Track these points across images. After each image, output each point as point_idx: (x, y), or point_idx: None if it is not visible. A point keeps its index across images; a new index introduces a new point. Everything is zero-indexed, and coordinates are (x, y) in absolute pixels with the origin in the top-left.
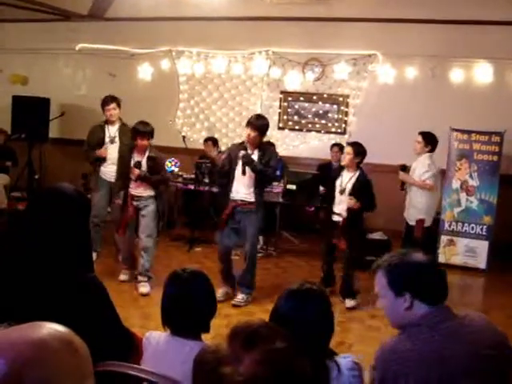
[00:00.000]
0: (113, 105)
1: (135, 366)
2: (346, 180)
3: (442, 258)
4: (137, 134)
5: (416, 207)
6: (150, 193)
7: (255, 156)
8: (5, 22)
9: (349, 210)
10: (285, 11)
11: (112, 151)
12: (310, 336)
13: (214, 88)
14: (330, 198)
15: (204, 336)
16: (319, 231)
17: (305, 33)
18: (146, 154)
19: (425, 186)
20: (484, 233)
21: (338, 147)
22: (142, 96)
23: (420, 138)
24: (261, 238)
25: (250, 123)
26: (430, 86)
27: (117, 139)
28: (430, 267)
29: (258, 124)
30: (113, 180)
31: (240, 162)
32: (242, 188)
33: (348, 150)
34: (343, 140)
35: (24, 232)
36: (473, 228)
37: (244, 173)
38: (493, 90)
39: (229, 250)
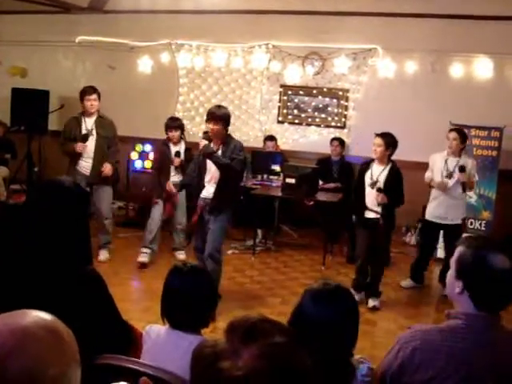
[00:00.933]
0: (94, 95)
1: (134, 359)
2: (377, 173)
3: (441, 253)
4: (167, 128)
5: (460, 206)
6: None
7: (219, 152)
8: (4, 13)
9: (383, 205)
10: (285, 5)
11: (88, 144)
12: (339, 338)
13: (213, 81)
14: (359, 195)
15: (203, 330)
16: (320, 225)
17: (305, 26)
18: (182, 145)
19: (473, 187)
20: (483, 228)
21: (338, 141)
22: (141, 89)
23: (456, 135)
24: (259, 232)
25: (211, 116)
26: (430, 81)
27: (94, 132)
28: (497, 273)
29: (221, 114)
30: (88, 173)
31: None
32: (209, 186)
33: (378, 141)
34: (343, 134)
35: (23, 225)
36: (472, 223)
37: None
38: (492, 85)
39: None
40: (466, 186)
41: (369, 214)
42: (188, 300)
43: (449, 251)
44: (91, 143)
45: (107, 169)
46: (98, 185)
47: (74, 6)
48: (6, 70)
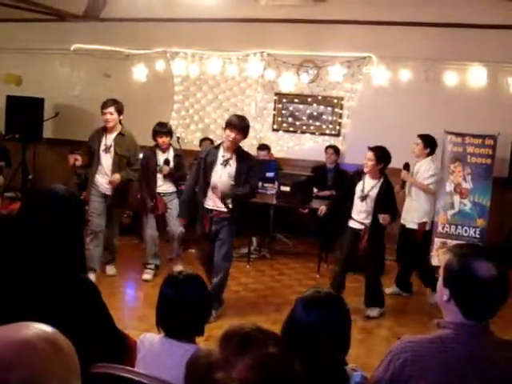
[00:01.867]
0: (110, 108)
1: (128, 368)
2: (368, 188)
3: (435, 261)
4: (155, 134)
5: (418, 210)
6: (174, 189)
7: (233, 161)
8: None
9: (374, 218)
10: (279, 13)
11: (106, 161)
12: (331, 344)
13: (208, 89)
14: (347, 204)
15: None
16: (315, 233)
17: (299, 35)
18: (171, 151)
19: (428, 191)
20: (477, 235)
21: (333, 149)
22: (136, 97)
23: (419, 140)
24: (254, 240)
25: (233, 125)
26: (424, 89)
27: (112, 149)
28: (482, 281)
29: (243, 126)
30: (108, 192)
31: (216, 167)
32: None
33: (369, 155)
34: (337, 142)
35: (16, 233)
36: (466, 231)
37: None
38: (486, 94)
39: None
40: (404, 184)
41: (353, 224)
42: (182, 309)
43: (399, 255)
44: (108, 160)
45: (114, 179)
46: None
47: (70, 13)
48: (0, 77)
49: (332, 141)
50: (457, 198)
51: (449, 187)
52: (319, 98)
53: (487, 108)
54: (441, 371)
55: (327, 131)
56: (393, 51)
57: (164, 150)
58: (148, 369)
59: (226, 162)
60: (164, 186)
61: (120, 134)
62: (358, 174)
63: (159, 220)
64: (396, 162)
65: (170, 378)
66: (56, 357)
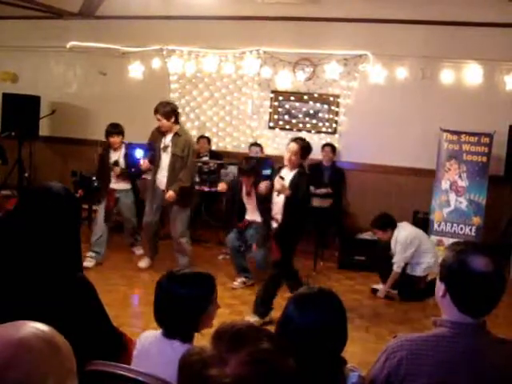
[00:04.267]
0: (157, 115)
1: (123, 365)
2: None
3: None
4: (108, 134)
5: (423, 263)
6: (128, 186)
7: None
8: None
9: (284, 213)
10: (276, 11)
11: (165, 160)
12: (326, 342)
13: (204, 87)
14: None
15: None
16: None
17: (296, 32)
18: (122, 150)
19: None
20: (473, 233)
21: (330, 147)
22: (132, 94)
23: (376, 230)
24: None
25: (156, 112)
26: (421, 87)
27: (169, 149)
28: (478, 276)
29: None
30: (163, 187)
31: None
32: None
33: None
34: (334, 140)
35: (12, 231)
36: (462, 228)
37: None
38: (483, 92)
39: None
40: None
41: (274, 224)
42: (180, 306)
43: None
44: (166, 159)
45: (169, 197)
46: (171, 204)
47: (65, 11)
48: None
49: (328, 139)
50: (452, 196)
51: (444, 185)
52: (315, 95)
53: (483, 106)
54: (437, 369)
55: (323, 129)
56: (389, 49)
57: (115, 149)
58: (141, 366)
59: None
60: (118, 184)
61: (176, 134)
62: (279, 169)
63: (108, 213)
64: (392, 160)
65: (162, 376)
66: (53, 356)
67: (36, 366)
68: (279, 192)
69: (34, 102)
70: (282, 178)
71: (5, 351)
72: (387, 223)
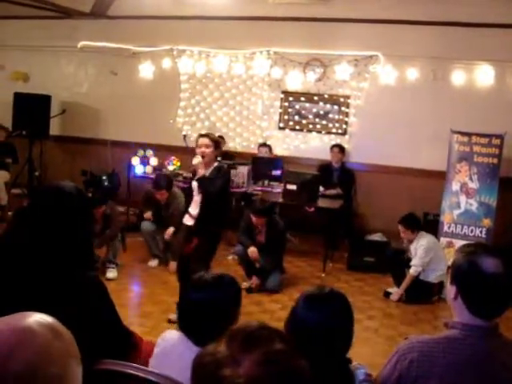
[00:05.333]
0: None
1: (134, 364)
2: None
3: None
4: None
5: (437, 269)
6: None
7: None
8: (7, 18)
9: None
10: (286, 11)
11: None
12: (333, 341)
13: (215, 87)
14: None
15: None
16: (320, 231)
17: (306, 33)
18: None
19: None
20: (483, 235)
21: (338, 148)
22: (143, 94)
23: (402, 228)
24: None
25: None
26: (431, 88)
27: None
28: (488, 277)
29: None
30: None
31: None
32: None
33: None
34: (344, 141)
35: (24, 230)
36: (472, 230)
37: None
38: (494, 93)
39: None
40: None
41: (188, 221)
42: (202, 311)
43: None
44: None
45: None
46: None
47: (77, 11)
48: (8, 74)
49: (338, 139)
50: (463, 198)
51: (455, 187)
52: (326, 96)
53: (494, 107)
54: (448, 371)
55: (333, 130)
56: (400, 50)
57: None
58: (158, 365)
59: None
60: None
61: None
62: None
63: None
64: (403, 161)
65: (179, 379)
66: (55, 342)
67: (39, 352)
68: (199, 188)
69: (44, 101)
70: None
71: (9, 338)
72: (417, 225)
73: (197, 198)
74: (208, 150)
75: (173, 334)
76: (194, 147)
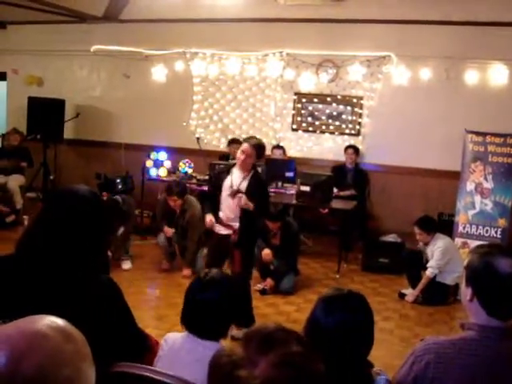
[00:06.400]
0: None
1: (149, 367)
2: (238, 181)
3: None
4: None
5: (454, 271)
6: None
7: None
8: (21, 24)
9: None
10: (298, 12)
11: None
12: (353, 344)
13: (227, 89)
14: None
15: None
16: (335, 233)
17: (319, 34)
18: None
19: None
20: (499, 236)
21: (353, 149)
22: (156, 97)
23: (418, 230)
24: None
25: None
26: (445, 88)
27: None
28: (505, 277)
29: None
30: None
31: None
32: None
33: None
34: (357, 142)
35: (39, 234)
36: (487, 231)
37: None
38: (508, 92)
39: None
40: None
41: (221, 230)
42: (206, 311)
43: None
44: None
45: None
46: None
47: (90, 15)
48: (22, 78)
49: (352, 140)
50: (478, 198)
51: (469, 187)
52: (339, 97)
53: (509, 107)
54: (465, 373)
55: (347, 131)
56: (413, 50)
57: None
58: (167, 366)
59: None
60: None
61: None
62: (228, 168)
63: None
64: (417, 161)
65: (189, 374)
66: (67, 345)
67: (50, 354)
68: (234, 195)
69: (58, 105)
70: (238, 192)
71: (20, 342)
72: (433, 227)
73: (230, 203)
74: (249, 160)
75: (175, 335)
76: (228, 151)
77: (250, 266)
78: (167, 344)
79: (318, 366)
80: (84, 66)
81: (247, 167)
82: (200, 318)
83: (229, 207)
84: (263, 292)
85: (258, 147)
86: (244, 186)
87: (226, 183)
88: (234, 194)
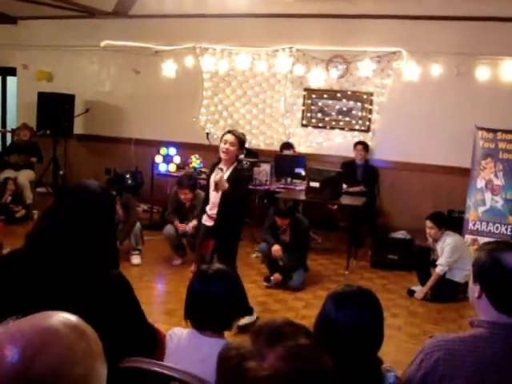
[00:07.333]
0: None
1: (159, 362)
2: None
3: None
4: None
5: (465, 269)
6: None
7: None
8: (30, 19)
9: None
10: (308, 8)
11: None
12: (363, 341)
13: (237, 85)
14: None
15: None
16: (344, 229)
17: (328, 30)
18: None
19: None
20: (509, 233)
21: (362, 145)
22: (166, 92)
23: (430, 224)
24: None
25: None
26: (455, 84)
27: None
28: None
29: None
30: None
31: None
32: None
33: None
34: (367, 138)
35: (50, 229)
36: (497, 228)
37: None
38: None
39: None
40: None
41: (207, 221)
42: (211, 303)
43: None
44: None
45: None
46: None
47: (100, 10)
48: (32, 74)
49: (361, 136)
50: (488, 195)
51: (480, 184)
52: (348, 93)
53: None
54: (475, 370)
55: (357, 127)
56: (423, 46)
57: None
58: (176, 363)
59: None
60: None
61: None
62: (214, 164)
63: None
64: (427, 158)
65: (198, 373)
66: (80, 342)
67: (64, 352)
68: (216, 185)
69: (68, 100)
70: (221, 170)
71: (33, 339)
72: (445, 223)
73: (214, 196)
74: (232, 148)
75: (180, 331)
76: (219, 145)
77: (230, 257)
78: (172, 341)
79: (325, 360)
80: (94, 61)
81: (231, 158)
82: (207, 311)
83: (214, 203)
84: (268, 280)
85: (240, 138)
86: (226, 175)
87: (211, 179)
88: (216, 183)
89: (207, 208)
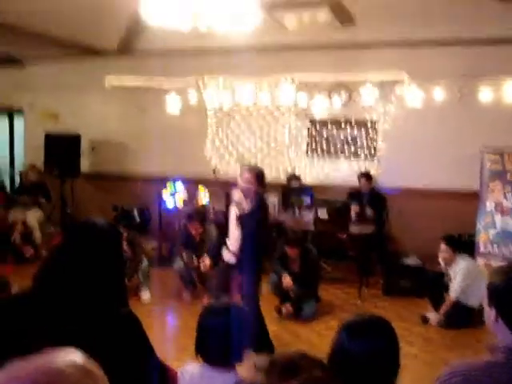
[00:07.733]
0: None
1: None
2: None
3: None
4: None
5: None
6: None
7: None
8: (36, 58)
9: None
10: (308, 38)
11: None
12: (379, 371)
13: (241, 118)
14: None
15: None
16: (354, 258)
17: (330, 59)
18: None
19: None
20: None
21: (365, 178)
22: (171, 128)
23: (444, 246)
24: None
25: None
26: (459, 107)
27: None
28: None
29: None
30: None
31: None
32: None
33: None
34: (372, 166)
35: (58, 267)
36: (510, 250)
37: None
38: None
39: None
40: None
41: (227, 256)
42: (221, 338)
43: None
44: None
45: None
46: None
47: (103, 49)
48: (38, 114)
49: (367, 164)
50: (498, 217)
51: (489, 206)
52: (352, 121)
53: None
54: None
55: (362, 155)
56: (425, 71)
57: None
58: None
59: None
60: None
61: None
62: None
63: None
64: (434, 183)
65: None
66: (85, 381)
67: None
68: (237, 206)
69: (74, 140)
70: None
71: (39, 380)
72: (460, 247)
73: (235, 232)
74: (250, 187)
75: (193, 367)
76: (233, 180)
77: (254, 286)
78: (184, 378)
79: None
80: (98, 99)
81: (249, 195)
82: (213, 344)
83: (234, 238)
84: (279, 311)
85: (258, 175)
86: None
87: (232, 215)
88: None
89: (229, 243)
